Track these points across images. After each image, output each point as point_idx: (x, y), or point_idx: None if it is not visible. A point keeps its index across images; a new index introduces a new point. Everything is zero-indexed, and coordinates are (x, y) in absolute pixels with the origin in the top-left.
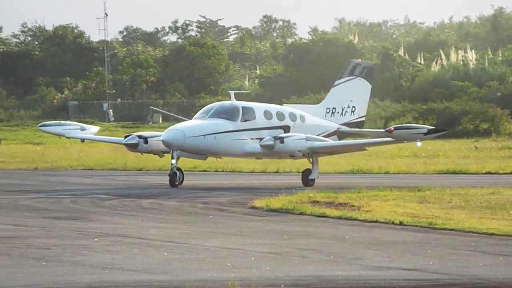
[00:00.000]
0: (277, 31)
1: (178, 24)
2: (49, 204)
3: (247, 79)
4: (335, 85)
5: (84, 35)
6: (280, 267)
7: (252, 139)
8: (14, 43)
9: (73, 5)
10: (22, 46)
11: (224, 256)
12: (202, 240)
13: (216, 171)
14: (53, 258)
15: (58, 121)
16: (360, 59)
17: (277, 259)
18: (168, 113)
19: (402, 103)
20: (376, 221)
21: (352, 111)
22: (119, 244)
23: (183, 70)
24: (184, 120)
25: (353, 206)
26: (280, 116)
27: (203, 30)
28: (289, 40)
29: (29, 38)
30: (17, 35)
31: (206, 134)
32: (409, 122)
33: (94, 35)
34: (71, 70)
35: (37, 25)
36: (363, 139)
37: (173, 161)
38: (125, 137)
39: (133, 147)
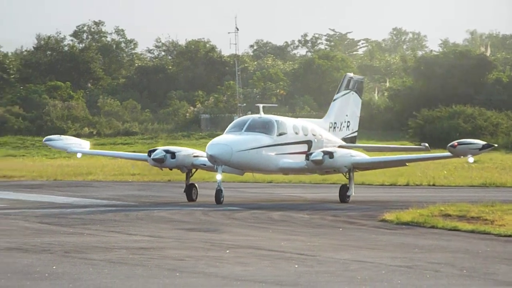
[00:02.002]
0: (407, 43)
1: (308, 38)
2: (182, 215)
3: (376, 92)
4: (335, 99)
5: (216, 49)
6: (412, 281)
7: (286, 154)
8: (148, 58)
9: (205, 20)
10: (156, 61)
11: (355, 269)
12: (332, 252)
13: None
14: (187, 269)
15: (59, 136)
16: (353, 73)
17: (409, 272)
18: None
19: None
20: (510, 236)
21: (347, 126)
22: (251, 256)
23: (312, 83)
24: None
25: (486, 220)
26: (305, 130)
27: (332, 43)
28: (419, 53)
29: (163, 53)
30: (151, 50)
31: (250, 149)
32: None
33: (225, 49)
34: (203, 83)
35: (170, 40)
36: (407, 155)
37: (219, 177)
38: (149, 152)
39: (159, 162)
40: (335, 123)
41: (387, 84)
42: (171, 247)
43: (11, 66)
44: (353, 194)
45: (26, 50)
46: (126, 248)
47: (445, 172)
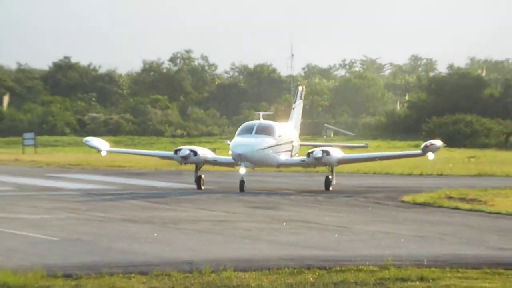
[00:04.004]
0: (422, 66)
1: (346, 62)
2: (251, 197)
3: (398, 104)
4: (294, 108)
5: (276, 71)
6: (424, 247)
7: (284, 152)
8: (225, 77)
9: (268, 48)
10: (231, 79)
11: (380, 238)
12: (363, 225)
13: (373, 173)
14: (253, 237)
15: (92, 137)
16: (303, 86)
17: (421, 241)
18: (338, 129)
19: None
20: (499, 213)
21: (298, 126)
22: (302, 228)
23: (349, 97)
24: (349, 134)
25: (481, 201)
26: (288, 132)
27: (364, 66)
28: (431, 74)
29: (236, 73)
30: (227, 71)
31: (264, 148)
32: None
33: (283, 71)
34: (266, 97)
35: (242, 64)
36: (379, 153)
37: (243, 171)
38: (175, 151)
39: (184, 158)
40: (295, 126)
41: (406, 98)
42: (241, 220)
43: (124, 83)
44: (334, 183)
45: (135, 72)
46: (208, 220)
47: (450, 165)
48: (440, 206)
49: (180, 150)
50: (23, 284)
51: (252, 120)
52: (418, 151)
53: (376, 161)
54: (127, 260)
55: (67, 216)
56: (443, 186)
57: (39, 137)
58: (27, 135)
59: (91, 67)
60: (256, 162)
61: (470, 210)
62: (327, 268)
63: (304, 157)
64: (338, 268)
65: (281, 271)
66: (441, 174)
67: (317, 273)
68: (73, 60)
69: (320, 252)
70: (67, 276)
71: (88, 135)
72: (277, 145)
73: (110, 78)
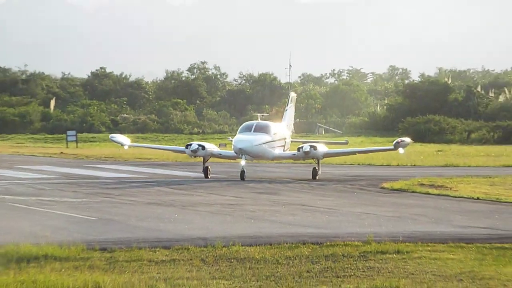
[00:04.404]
0: (398, 75)
1: (335, 71)
2: (255, 184)
3: (378, 106)
4: (286, 110)
5: (277, 79)
6: (400, 225)
7: (278, 147)
8: (234, 84)
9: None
10: (239, 86)
11: (364, 218)
12: (350, 208)
13: (358, 164)
14: (258, 218)
15: (117, 134)
16: (294, 92)
17: (398, 220)
18: (328, 127)
19: (479, 121)
20: (462, 197)
21: (291, 125)
22: (298, 210)
23: (338, 101)
24: (337, 132)
25: (447, 187)
26: (281, 130)
27: (350, 75)
28: (406, 81)
29: (243, 81)
30: (236, 79)
31: (261, 143)
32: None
33: (283, 79)
34: (268, 100)
35: (248, 72)
36: (358, 148)
37: (243, 162)
38: (186, 146)
39: (194, 152)
40: (287, 125)
41: (386, 101)
42: (248, 204)
43: (150, 89)
44: (319, 173)
45: (159, 80)
46: (220, 204)
47: (422, 157)
48: (413, 192)
49: (190, 145)
50: (67, 256)
51: (253, 120)
52: (391, 147)
53: (356, 155)
54: (153, 236)
55: (103, 199)
56: (416, 174)
57: (80, 134)
58: (70, 132)
59: (123, 76)
60: (254, 155)
61: (438, 195)
62: (319, 243)
63: (295, 152)
64: (328, 243)
65: (281, 246)
66: (414, 165)
67: (311, 248)
68: (108, 70)
69: (313, 230)
70: (103, 249)
71: (121, 132)
72: (272, 141)
73: (138, 85)
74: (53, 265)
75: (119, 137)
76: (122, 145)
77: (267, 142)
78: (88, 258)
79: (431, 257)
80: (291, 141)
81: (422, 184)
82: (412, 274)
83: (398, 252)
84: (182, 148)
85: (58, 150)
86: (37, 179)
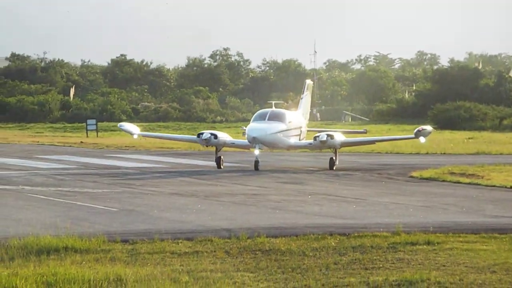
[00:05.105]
0: (427, 60)
1: (362, 57)
2: (280, 173)
3: (406, 93)
4: (302, 98)
5: (301, 65)
6: (430, 215)
7: (293, 136)
8: (258, 71)
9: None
10: (262, 73)
11: (392, 208)
12: (377, 197)
13: (386, 152)
14: (283, 208)
15: (125, 123)
16: (310, 80)
17: (427, 210)
18: (355, 115)
19: (511, 107)
20: (494, 186)
21: (307, 114)
22: (324, 200)
23: (365, 87)
24: (364, 119)
25: (478, 176)
26: (297, 119)
27: (377, 60)
28: (435, 67)
29: (267, 68)
30: (259, 66)
31: (276, 132)
32: None
33: (308, 65)
34: (293, 88)
35: (272, 59)
36: (377, 137)
37: (257, 152)
38: (199, 134)
39: (206, 141)
40: (303, 114)
41: (414, 88)
42: (272, 194)
43: (171, 77)
44: (337, 163)
45: (180, 67)
46: (244, 194)
47: (452, 145)
48: (443, 181)
49: (202, 134)
50: (87, 248)
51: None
52: (411, 135)
53: (382, 143)
54: (175, 227)
55: (124, 190)
56: (446, 163)
57: (100, 123)
58: (90, 121)
59: (144, 63)
60: (268, 144)
61: (469, 183)
62: (347, 234)
63: (311, 141)
64: (356, 234)
65: (307, 237)
66: (444, 153)
67: (338, 239)
68: (129, 57)
69: (340, 220)
70: (124, 241)
71: (142, 121)
72: (287, 130)
73: (159, 72)
74: (73, 257)
75: (128, 126)
76: (131, 134)
77: (282, 131)
78: (109, 250)
79: (463, 248)
80: (307, 130)
81: (452, 173)
82: (443, 265)
83: (428, 243)
84: (194, 137)
85: (78, 140)
86: (56, 169)
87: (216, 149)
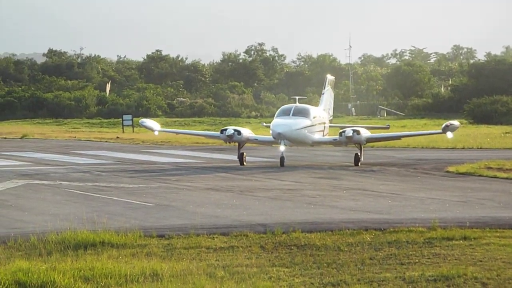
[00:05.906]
0: (463, 54)
1: (397, 52)
2: (316, 168)
3: (442, 87)
4: (323, 93)
5: (337, 60)
6: (466, 210)
7: (317, 131)
8: (293, 66)
9: (329, 40)
10: (297, 68)
11: (428, 203)
12: (413, 192)
13: (421, 147)
14: (318, 203)
15: (147, 119)
16: (332, 75)
17: (464, 205)
18: (390, 109)
19: None
20: None
21: (330, 110)
22: (360, 195)
23: (400, 82)
24: (399, 114)
25: None
26: (321, 115)
27: (413, 55)
28: (471, 61)
29: (302, 63)
30: (294, 61)
31: (301, 128)
32: None
33: (342, 60)
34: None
35: (307, 54)
36: (409, 132)
37: (283, 148)
38: (221, 131)
39: (230, 137)
40: (324, 109)
41: (450, 82)
42: (308, 189)
43: (207, 72)
44: (362, 159)
45: (215, 62)
46: (279, 189)
47: (488, 139)
48: (480, 175)
49: (225, 130)
50: (124, 243)
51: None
52: (439, 131)
53: (419, 137)
54: (211, 222)
55: (160, 185)
56: (483, 158)
57: (136, 118)
58: (126, 116)
59: (179, 58)
60: (293, 140)
61: (506, 178)
62: (382, 229)
63: (336, 136)
64: (391, 229)
65: (342, 232)
66: (481, 148)
67: (373, 234)
68: (164, 53)
69: (375, 215)
70: (160, 236)
71: (177, 117)
72: (312, 125)
73: (195, 68)
74: (110, 252)
75: (149, 122)
76: (152, 130)
77: (307, 127)
78: (145, 245)
79: (500, 244)
80: (329, 126)
81: (489, 168)
82: (480, 261)
83: (465, 238)
84: (217, 133)
85: (114, 135)
86: (93, 164)
87: (239, 145)
